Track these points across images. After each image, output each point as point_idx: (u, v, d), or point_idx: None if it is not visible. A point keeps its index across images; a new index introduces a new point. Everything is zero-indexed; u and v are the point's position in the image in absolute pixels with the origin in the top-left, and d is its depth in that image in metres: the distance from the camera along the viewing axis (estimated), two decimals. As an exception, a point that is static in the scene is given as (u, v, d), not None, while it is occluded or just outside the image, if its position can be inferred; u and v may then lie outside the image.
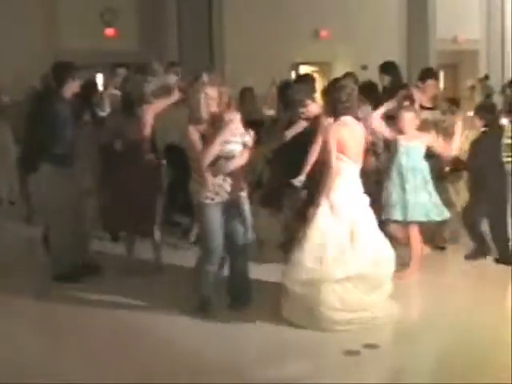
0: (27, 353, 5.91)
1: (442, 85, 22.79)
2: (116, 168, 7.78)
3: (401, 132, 7.50)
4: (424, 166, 7.52)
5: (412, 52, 20.19)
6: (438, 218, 7.55)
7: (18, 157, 9.86)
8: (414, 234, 7.53)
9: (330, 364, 5.64)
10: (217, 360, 5.73)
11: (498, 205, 7.95)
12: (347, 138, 6.33)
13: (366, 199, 6.50)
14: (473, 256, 8.05)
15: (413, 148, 7.47)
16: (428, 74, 8.94)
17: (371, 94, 8.63)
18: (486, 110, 8.16)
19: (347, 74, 9.89)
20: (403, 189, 7.40)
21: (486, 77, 20.99)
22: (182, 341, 6.07)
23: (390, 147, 7.70)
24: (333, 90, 6.63)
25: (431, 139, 7.60)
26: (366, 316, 6.17)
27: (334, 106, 6.47)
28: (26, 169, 8.33)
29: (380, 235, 6.46)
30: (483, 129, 8.00)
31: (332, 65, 19.73)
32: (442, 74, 22.86)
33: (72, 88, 7.67)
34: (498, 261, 7.95)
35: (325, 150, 6.42)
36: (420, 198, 7.40)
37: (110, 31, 17.48)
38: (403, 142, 7.45)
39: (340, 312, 6.12)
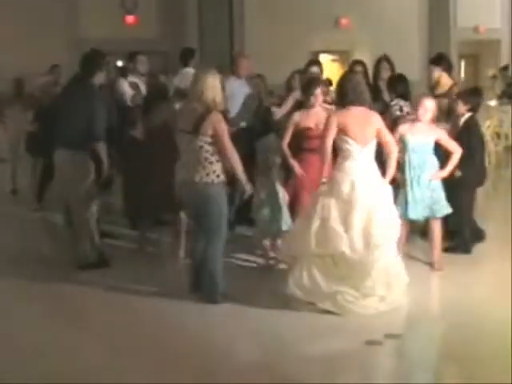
0: (44, 339, 5.94)
1: (462, 74, 22.70)
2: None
3: (417, 120, 7.42)
4: (432, 162, 7.41)
5: (433, 41, 20.03)
6: (439, 215, 7.48)
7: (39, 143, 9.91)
8: (436, 228, 7.51)
9: (351, 353, 5.64)
10: (234, 347, 5.75)
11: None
12: (348, 123, 6.45)
13: (385, 187, 6.57)
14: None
15: (420, 144, 7.37)
16: (434, 60, 8.89)
17: (400, 86, 8.57)
18: (471, 94, 8.09)
19: (355, 62, 9.88)
20: (412, 186, 7.37)
21: (506, 67, 20.85)
22: (195, 327, 6.11)
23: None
24: (339, 83, 6.82)
25: (443, 136, 7.47)
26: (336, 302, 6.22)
27: (339, 98, 6.76)
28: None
29: (390, 220, 6.50)
30: (468, 114, 7.90)
31: (351, 53, 19.63)
32: (462, 64, 22.74)
33: (100, 79, 7.71)
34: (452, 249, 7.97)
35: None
36: (424, 195, 7.34)
37: (130, 18, 17.50)
38: (410, 138, 7.37)
39: (304, 291, 6.28)
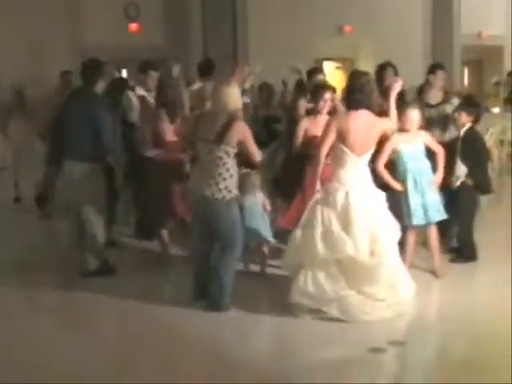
0: (47, 348, 5.95)
1: (466, 81, 22.71)
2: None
3: (402, 129, 7.40)
4: (426, 166, 7.42)
5: (436, 47, 20.06)
6: (435, 220, 7.47)
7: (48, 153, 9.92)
8: (433, 236, 7.52)
9: (354, 360, 5.64)
10: (237, 354, 5.75)
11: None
12: (349, 130, 6.37)
13: (378, 192, 6.57)
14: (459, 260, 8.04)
15: (414, 151, 7.40)
16: (435, 66, 8.96)
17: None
18: (473, 105, 8.17)
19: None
20: (411, 193, 7.36)
21: (510, 73, 20.86)
22: (199, 334, 6.12)
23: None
24: (347, 83, 6.69)
25: (427, 138, 7.49)
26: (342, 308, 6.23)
27: (346, 99, 6.62)
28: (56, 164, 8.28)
29: (389, 226, 6.52)
30: (469, 125, 7.96)
31: (355, 61, 19.65)
32: (466, 70, 22.76)
33: (100, 87, 7.75)
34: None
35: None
36: (422, 200, 7.34)
37: (133, 26, 17.50)
38: (404, 147, 7.36)
39: (309, 299, 6.26)
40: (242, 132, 6.45)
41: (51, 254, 8.94)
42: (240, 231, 6.55)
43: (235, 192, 6.51)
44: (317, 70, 9.86)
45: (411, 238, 7.43)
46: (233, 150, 6.41)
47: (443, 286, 7.33)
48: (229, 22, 17.27)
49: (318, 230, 6.31)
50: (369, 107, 6.49)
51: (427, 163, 7.44)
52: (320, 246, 6.26)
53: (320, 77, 9.19)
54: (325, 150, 6.47)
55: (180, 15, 17.51)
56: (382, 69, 9.28)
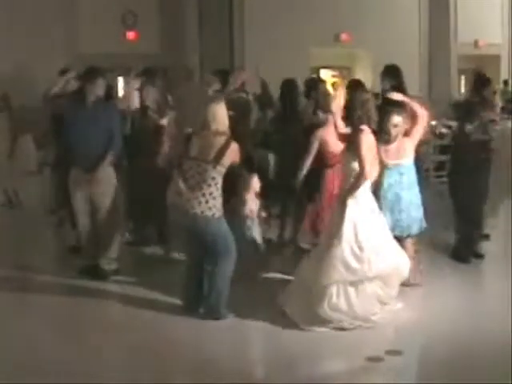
0: (41, 352, 5.95)
1: (462, 89, 22.77)
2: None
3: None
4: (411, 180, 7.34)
5: (433, 56, 20.12)
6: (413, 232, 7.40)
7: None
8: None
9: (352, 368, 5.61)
10: (234, 363, 5.74)
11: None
12: (372, 148, 6.52)
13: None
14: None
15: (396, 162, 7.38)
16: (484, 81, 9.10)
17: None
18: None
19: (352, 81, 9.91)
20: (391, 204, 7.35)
21: (505, 82, 20.96)
22: (196, 342, 6.11)
23: None
24: (349, 100, 6.77)
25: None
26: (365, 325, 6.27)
27: (350, 115, 6.64)
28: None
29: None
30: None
31: (352, 69, 19.69)
32: (463, 79, 22.82)
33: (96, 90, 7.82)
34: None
35: (358, 158, 6.43)
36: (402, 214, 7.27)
37: (131, 34, 17.53)
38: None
39: (340, 314, 6.23)
40: (236, 154, 6.51)
41: (49, 255, 8.98)
42: (232, 242, 6.56)
43: (221, 210, 6.52)
44: (318, 79, 9.87)
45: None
46: (224, 170, 6.46)
47: (439, 294, 7.31)
48: (226, 31, 17.31)
49: (351, 247, 6.28)
50: (368, 124, 6.54)
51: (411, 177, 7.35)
52: (351, 264, 6.25)
53: (324, 86, 9.16)
54: (369, 168, 6.41)
55: (177, 23, 17.54)
56: (387, 70, 9.25)
